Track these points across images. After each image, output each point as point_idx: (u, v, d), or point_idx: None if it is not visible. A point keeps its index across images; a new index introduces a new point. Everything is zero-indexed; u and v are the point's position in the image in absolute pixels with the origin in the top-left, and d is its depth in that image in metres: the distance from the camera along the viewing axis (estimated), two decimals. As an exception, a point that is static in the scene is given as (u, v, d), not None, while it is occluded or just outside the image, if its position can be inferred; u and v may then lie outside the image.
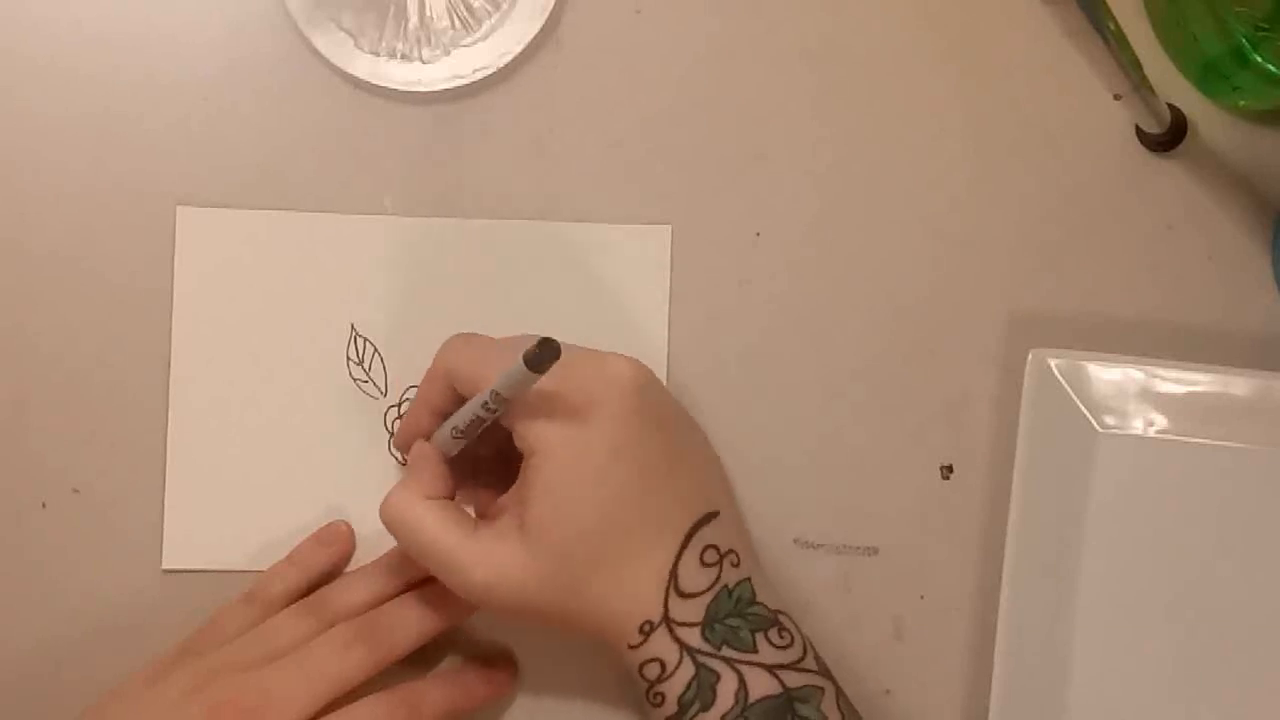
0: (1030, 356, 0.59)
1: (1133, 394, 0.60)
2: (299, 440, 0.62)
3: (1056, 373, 0.60)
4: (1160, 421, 0.60)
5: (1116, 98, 0.56)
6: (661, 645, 0.54)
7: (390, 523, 0.56)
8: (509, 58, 0.62)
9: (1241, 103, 0.62)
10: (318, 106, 0.62)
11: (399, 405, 0.62)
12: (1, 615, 0.61)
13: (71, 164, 0.62)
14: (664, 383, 0.61)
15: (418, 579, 0.59)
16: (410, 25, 0.62)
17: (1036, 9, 0.48)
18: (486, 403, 0.54)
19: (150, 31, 0.62)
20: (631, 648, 0.54)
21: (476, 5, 0.62)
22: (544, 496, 0.53)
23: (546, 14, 0.62)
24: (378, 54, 0.62)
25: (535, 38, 0.62)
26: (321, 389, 0.62)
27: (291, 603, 0.59)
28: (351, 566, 0.61)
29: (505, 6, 0.62)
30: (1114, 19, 0.49)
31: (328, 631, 0.57)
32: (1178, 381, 0.60)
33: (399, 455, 0.61)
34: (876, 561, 0.62)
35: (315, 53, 0.62)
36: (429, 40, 0.62)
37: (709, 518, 0.56)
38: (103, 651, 0.60)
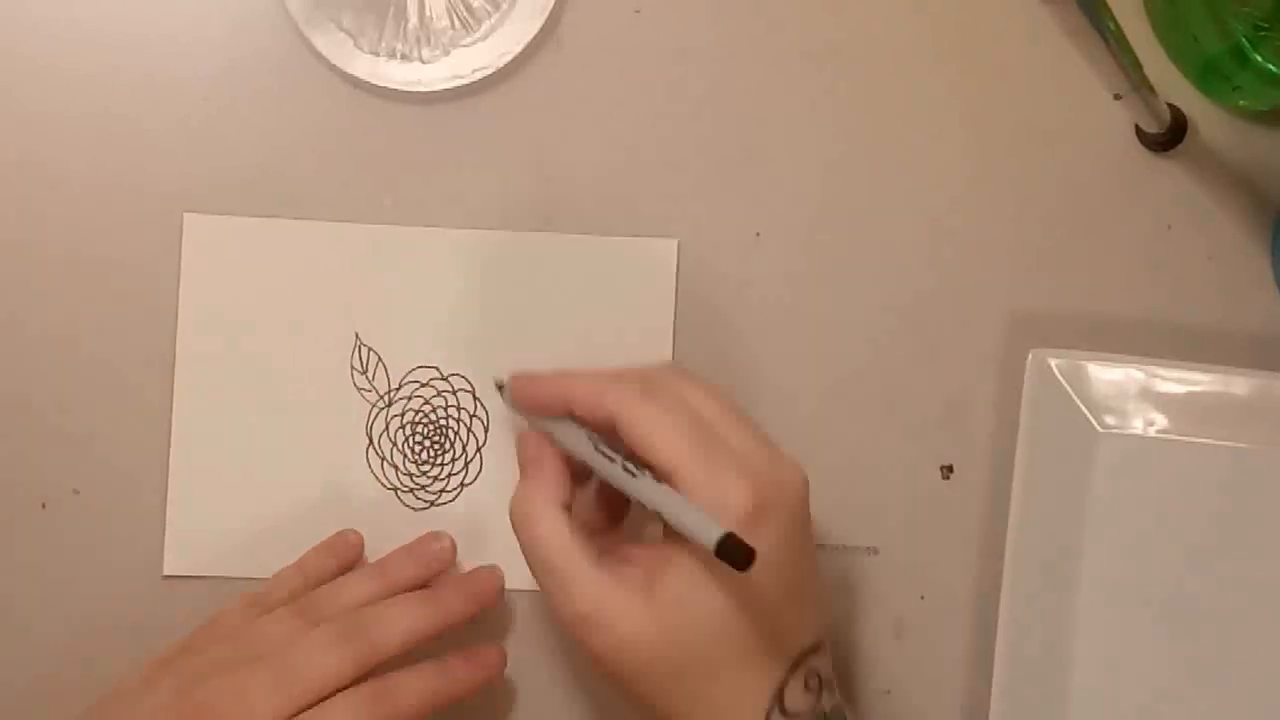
0: (1030, 356, 0.59)
1: (1133, 394, 0.60)
2: (302, 449, 0.61)
3: (1056, 373, 0.60)
4: (1160, 421, 0.60)
5: (1116, 98, 0.56)
6: None
7: (519, 521, 0.53)
8: (509, 58, 0.62)
9: (1241, 103, 0.62)
10: (317, 107, 0.62)
11: (388, 406, 0.62)
12: (1, 616, 0.61)
13: (71, 165, 0.62)
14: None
15: (413, 581, 0.59)
16: (410, 25, 0.62)
17: (1036, 9, 0.48)
18: (645, 507, 0.51)
19: (149, 32, 0.62)
20: None
21: (476, 5, 0.62)
22: (686, 575, 0.51)
23: (546, 14, 0.61)
24: (377, 54, 0.62)
25: (535, 38, 0.62)
26: (325, 398, 0.62)
27: None
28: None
29: (505, 6, 0.62)
30: (1114, 19, 0.49)
31: (310, 632, 0.56)
32: (1178, 381, 0.60)
33: (508, 403, 0.57)
34: (876, 561, 0.62)
35: (315, 53, 0.62)
36: (429, 40, 0.62)
37: (817, 647, 0.54)
38: (102, 655, 0.60)
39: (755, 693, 0.52)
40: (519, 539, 0.53)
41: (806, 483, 0.53)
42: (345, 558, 0.60)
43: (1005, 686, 0.59)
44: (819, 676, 0.54)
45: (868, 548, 0.62)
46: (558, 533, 0.52)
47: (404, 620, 0.57)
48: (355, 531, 0.61)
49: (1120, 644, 0.59)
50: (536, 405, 0.55)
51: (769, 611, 0.52)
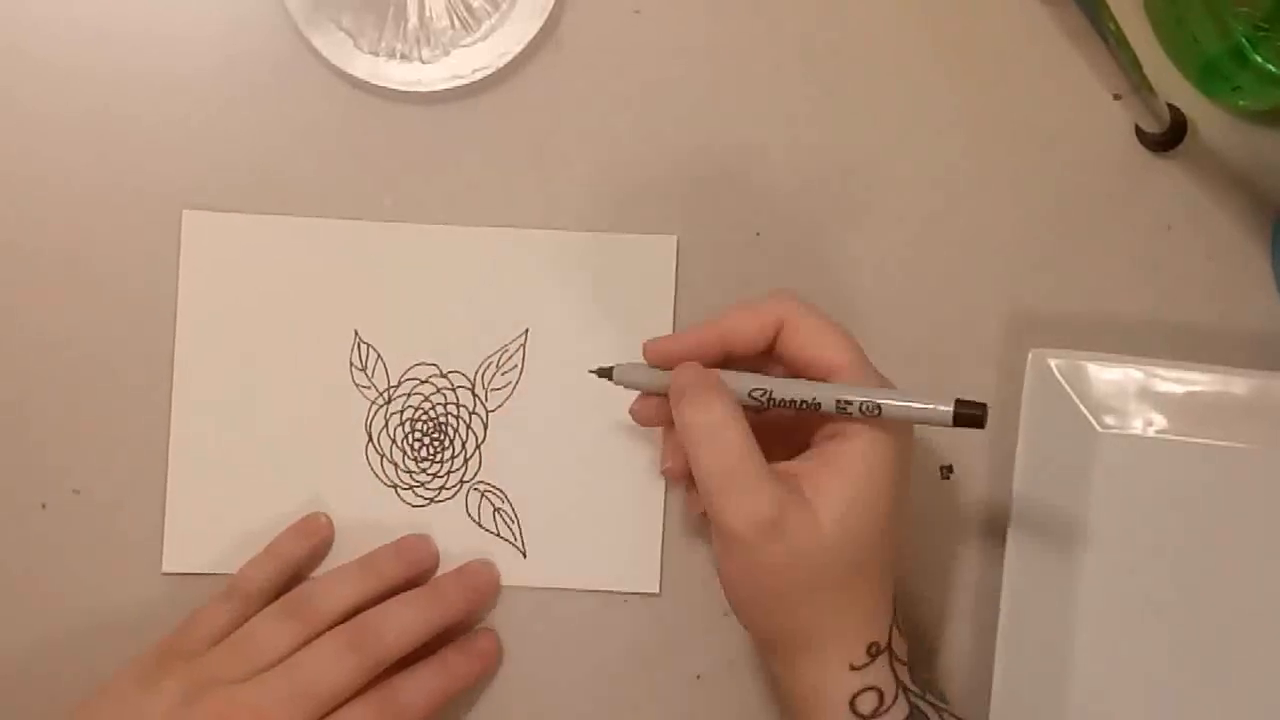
0: (1030, 356, 0.59)
1: (1132, 394, 0.60)
2: (300, 445, 0.62)
3: (1056, 373, 0.60)
4: (1160, 421, 0.60)
5: (1116, 98, 0.56)
6: (882, 674, 0.53)
7: (703, 426, 0.51)
8: (508, 58, 0.62)
9: (1241, 103, 0.62)
10: (317, 107, 0.62)
11: (387, 403, 0.62)
12: (0, 615, 0.61)
13: (71, 163, 0.62)
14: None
15: (400, 580, 0.59)
16: (410, 25, 0.62)
17: (1036, 9, 0.48)
18: (827, 406, 0.52)
19: (149, 31, 0.62)
20: (854, 668, 0.52)
21: (476, 5, 0.62)
22: (849, 488, 0.51)
23: (546, 14, 0.62)
24: (377, 54, 0.62)
25: (535, 38, 0.62)
26: (325, 394, 0.62)
27: (270, 596, 0.59)
28: (331, 561, 0.61)
29: (505, 6, 0.62)
30: (1114, 19, 0.49)
31: (318, 641, 0.56)
32: (1177, 381, 0.60)
33: (622, 381, 0.57)
34: (876, 561, 0.62)
35: (315, 53, 0.62)
36: (428, 40, 0.62)
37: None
38: (102, 653, 0.60)
39: (883, 604, 0.53)
40: (696, 446, 0.51)
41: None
42: (315, 540, 0.61)
43: (1005, 686, 0.59)
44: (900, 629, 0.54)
45: (868, 548, 0.62)
46: (745, 436, 0.51)
47: (409, 622, 0.57)
48: (324, 514, 0.61)
49: (1120, 644, 0.59)
50: (685, 357, 0.54)
51: (900, 525, 0.53)
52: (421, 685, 0.57)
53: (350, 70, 0.61)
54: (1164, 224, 0.62)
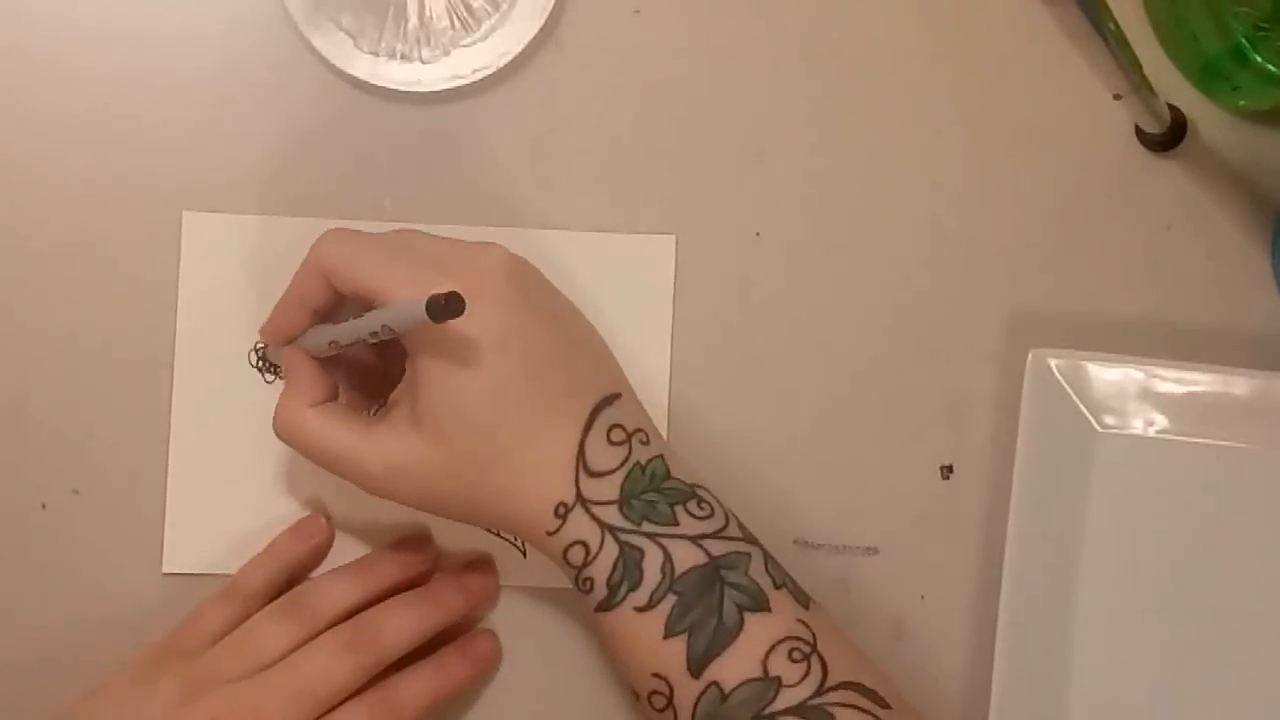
0: (1030, 356, 0.59)
1: (1132, 394, 0.60)
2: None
3: (1056, 373, 0.60)
4: (1160, 421, 0.60)
5: (1116, 98, 0.56)
6: (581, 526, 0.53)
7: (284, 437, 0.56)
8: (509, 58, 0.62)
9: (1241, 103, 0.62)
10: (317, 107, 0.62)
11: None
12: (1, 615, 0.61)
13: (70, 163, 0.62)
14: (666, 383, 0.62)
15: (397, 583, 0.59)
16: (410, 25, 0.62)
17: (1036, 9, 0.48)
18: (375, 332, 0.53)
19: (149, 31, 0.62)
20: (550, 534, 0.53)
21: (476, 5, 0.62)
22: (432, 391, 0.53)
23: (546, 14, 0.62)
24: (377, 54, 0.62)
25: (535, 38, 0.62)
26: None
27: (269, 597, 0.59)
28: (331, 561, 0.61)
29: (505, 7, 0.62)
30: (1114, 19, 0.49)
31: (317, 641, 0.56)
32: (1177, 381, 0.60)
33: (261, 342, 0.61)
34: (876, 561, 0.62)
35: (315, 53, 0.62)
36: (428, 40, 0.62)
37: (611, 399, 0.55)
38: (102, 654, 0.60)
39: (555, 463, 0.53)
40: (298, 452, 0.56)
41: (514, 259, 0.55)
42: (315, 541, 0.61)
43: (1005, 686, 0.59)
44: (623, 428, 0.54)
45: (867, 548, 0.62)
46: (319, 429, 0.55)
47: (408, 623, 0.57)
48: (323, 514, 0.61)
49: (1120, 644, 0.59)
50: (285, 330, 0.57)
51: (525, 384, 0.53)
52: (419, 686, 0.57)
53: (350, 70, 0.61)
54: (1164, 224, 0.62)
